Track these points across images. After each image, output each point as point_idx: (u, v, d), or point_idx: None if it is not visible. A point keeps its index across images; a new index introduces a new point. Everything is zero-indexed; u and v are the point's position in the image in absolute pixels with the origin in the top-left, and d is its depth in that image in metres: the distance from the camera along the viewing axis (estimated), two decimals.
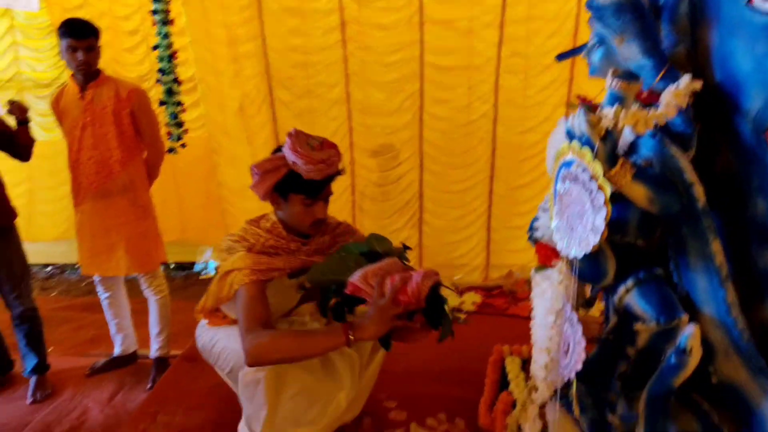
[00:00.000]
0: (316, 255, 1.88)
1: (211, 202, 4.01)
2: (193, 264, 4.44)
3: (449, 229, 3.62)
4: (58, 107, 2.52)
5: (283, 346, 1.62)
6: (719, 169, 1.43)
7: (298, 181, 1.74)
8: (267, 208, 1.91)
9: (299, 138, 1.73)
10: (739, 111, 1.31)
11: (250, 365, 1.65)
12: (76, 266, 4.36)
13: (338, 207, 3.58)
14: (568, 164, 1.36)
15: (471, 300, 3.23)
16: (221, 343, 1.89)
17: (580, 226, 1.31)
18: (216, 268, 1.94)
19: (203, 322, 1.99)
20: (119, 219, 2.54)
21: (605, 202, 1.25)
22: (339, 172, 1.81)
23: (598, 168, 1.27)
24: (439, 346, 1.64)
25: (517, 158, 3.41)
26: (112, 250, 2.56)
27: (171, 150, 3.02)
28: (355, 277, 1.63)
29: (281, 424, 1.78)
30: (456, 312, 3.11)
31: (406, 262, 1.78)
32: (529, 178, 3.46)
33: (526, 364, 2.19)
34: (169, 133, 2.99)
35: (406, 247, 1.85)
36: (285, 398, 1.76)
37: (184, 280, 4.29)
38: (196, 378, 2.48)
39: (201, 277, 4.29)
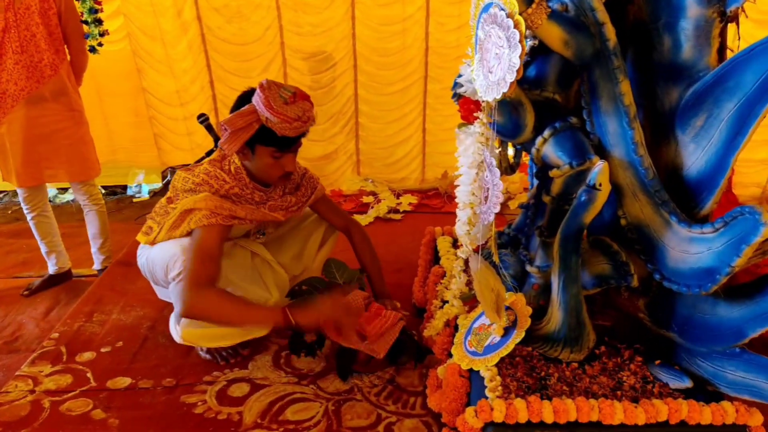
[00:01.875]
0: (279, 211, 1.88)
1: (141, 121, 3.82)
2: (125, 187, 4.28)
3: (385, 133, 3.61)
4: None
5: (224, 312, 1.65)
6: (631, 18, 1.47)
7: (270, 135, 1.68)
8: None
9: (272, 91, 1.64)
10: None
11: (184, 316, 1.67)
12: (2, 195, 4.13)
13: None
14: (487, 7, 1.36)
15: (407, 201, 3.28)
16: (155, 253, 1.87)
17: (498, 68, 1.33)
18: (168, 201, 1.88)
19: (144, 246, 1.95)
20: (57, 125, 2.44)
21: (521, 39, 1.26)
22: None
23: (514, 5, 1.27)
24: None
25: (452, 56, 3.38)
26: (53, 158, 2.46)
27: (91, 49, 2.82)
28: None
29: None
30: (393, 213, 3.15)
31: (363, 286, 1.98)
32: None
33: (456, 243, 2.26)
34: (86, 34, 2.79)
35: (361, 271, 2.04)
36: None
37: (117, 203, 4.14)
38: (133, 281, 2.46)
39: (135, 200, 4.15)
